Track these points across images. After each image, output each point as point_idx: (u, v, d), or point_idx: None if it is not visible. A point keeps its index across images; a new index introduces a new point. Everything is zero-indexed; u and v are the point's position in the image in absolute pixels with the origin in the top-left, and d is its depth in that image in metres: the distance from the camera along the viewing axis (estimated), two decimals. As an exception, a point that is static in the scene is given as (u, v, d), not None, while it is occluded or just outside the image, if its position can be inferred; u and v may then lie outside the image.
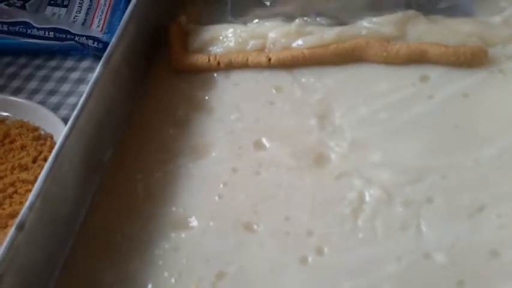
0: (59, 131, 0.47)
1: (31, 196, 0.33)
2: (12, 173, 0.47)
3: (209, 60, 0.48)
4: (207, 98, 0.47)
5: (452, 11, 0.49)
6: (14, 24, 0.59)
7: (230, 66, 0.48)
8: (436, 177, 0.38)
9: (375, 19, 0.47)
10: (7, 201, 0.45)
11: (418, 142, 0.40)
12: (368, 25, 0.47)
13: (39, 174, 0.41)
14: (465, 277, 0.33)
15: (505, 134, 0.40)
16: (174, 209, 0.38)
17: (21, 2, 0.62)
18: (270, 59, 0.47)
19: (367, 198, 0.37)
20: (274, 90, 0.46)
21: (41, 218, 0.33)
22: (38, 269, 0.34)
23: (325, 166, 0.40)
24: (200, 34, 0.50)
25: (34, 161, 0.48)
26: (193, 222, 0.38)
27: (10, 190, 0.46)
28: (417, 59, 0.45)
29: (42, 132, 0.50)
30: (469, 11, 0.49)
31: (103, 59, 0.41)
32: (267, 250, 0.36)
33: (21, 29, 0.59)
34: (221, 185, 0.40)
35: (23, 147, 0.49)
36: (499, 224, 0.35)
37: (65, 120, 0.46)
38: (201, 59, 0.48)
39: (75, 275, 0.35)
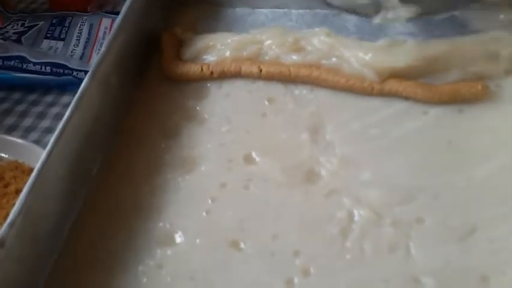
0: None
1: (12, 212, 0.32)
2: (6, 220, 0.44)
3: (202, 70, 0.47)
4: (198, 108, 0.46)
5: (451, 22, 0.48)
6: (9, 58, 0.57)
7: (223, 76, 0.48)
8: (427, 197, 0.37)
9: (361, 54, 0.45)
10: None
11: (410, 160, 0.39)
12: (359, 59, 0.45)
13: None
14: (454, 303, 0.32)
15: (500, 152, 0.39)
16: (160, 224, 0.38)
17: (17, 35, 0.61)
18: (261, 70, 0.46)
19: (356, 217, 0.36)
20: (266, 102, 0.46)
21: (22, 234, 0.33)
22: (19, 286, 0.33)
23: (316, 183, 0.39)
24: (194, 43, 0.50)
25: None
26: (180, 238, 0.37)
27: None
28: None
29: None
30: (467, 22, 0.48)
31: (91, 69, 0.41)
32: (252, 269, 0.35)
33: (16, 64, 0.56)
34: (209, 200, 0.39)
35: (17, 191, 0.45)
36: (490, 248, 0.34)
37: None
38: (193, 68, 0.47)
39: (59, 291, 0.35)
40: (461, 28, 0.47)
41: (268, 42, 0.48)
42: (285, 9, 0.54)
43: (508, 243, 0.34)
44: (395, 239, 0.35)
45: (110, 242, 0.37)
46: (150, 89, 0.48)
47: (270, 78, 0.46)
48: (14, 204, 0.41)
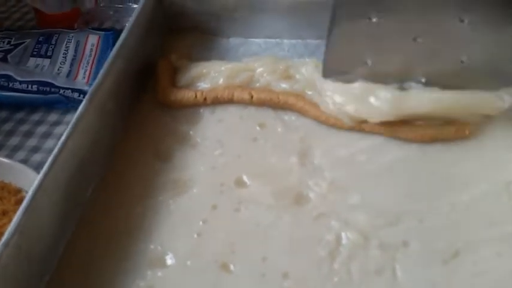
0: None
1: (7, 232, 0.33)
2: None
3: (196, 96, 0.49)
4: (191, 132, 0.47)
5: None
6: None
7: (216, 102, 0.49)
8: (412, 221, 0.38)
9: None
10: None
11: (396, 185, 0.40)
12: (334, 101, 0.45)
13: None
14: (438, 325, 0.33)
15: (482, 180, 0.40)
16: (151, 246, 0.38)
17: (3, 53, 0.60)
18: (252, 96, 0.48)
19: (344, 240, 0.37)
20: (257, 127, 0.47)
21: (17, 254, 0.33)
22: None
23: (304, 206, 0.40)
24: (189, 70, 0.51)
25: None
26: (170, 260, 0.38)
27: None
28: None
29: (25, 195, 0.45)
30: None
31: (88, 94, 0.42)
32: (242, 291, 0.36)
33: (2, 83, 0.55)
34: (200, 222, 0.40)
35: (4, 213, 0.44)
36: (474, 271, 0.35)
37: None
38: (187, 94, 0.49)
39: (50, 312, 0.35)
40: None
41: (260, 69, 0.50)
42: (277, 39, 0.55)
43: (490, 266, 0.35)
44: (381, 261, 0.36)
45: (101, 263, 0.38)
46: (145, 114, 0.49)
47: (260, 104, 0.48)
48: (1, 226, 0.42)
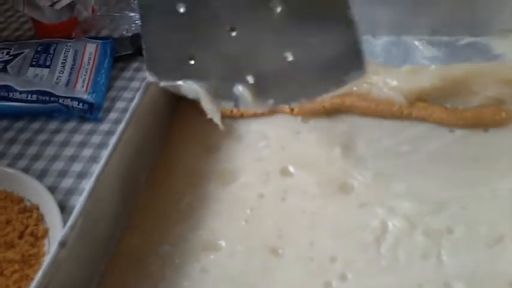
0: (46, 201, 0.45)
1: (73, 215, 0.35)
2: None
3: (232, 111, 0.49)
4: (235, 126, 0.49)
5: (472, 48, 0.51)
6: None
7: (254, 116, 0.49)
8: (456, 208, 0.39)
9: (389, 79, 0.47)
10: None
11: (439, 174, 0.42)
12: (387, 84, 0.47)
13: (26, 251, 0.42)
14: (484, 306, 0.34)
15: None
16: (203, 232, 0.40)
17: (2, 64, 0.60)
18: (293, 110, 0.48)
19: (390, 227, 0.39)
20: (300, 121, 0.48)
21: (81, 235, 0.35)
22: (76, 285, 0.36)
23: (349, 194, 0.42)
24: None
25: (20, 236, 0.44)
26: (222, 245, 0.39)
27: None
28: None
29: (28, 204, 0.46)
30: (490, 47, 0.51)
31: (142, 88, 0.44)
32: (291, 274, 0.37)
33: (2, 93, 0.56)
34: (248, 210, 0.42)
35: (8, 221, 0.44)
36: (518, 255, 0.36)
37: (51, 189, 0.46)
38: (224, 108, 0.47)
39: (110, 292, 0.38)
40: (484, 53, 0.50)
41: None
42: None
43: (534, 250, 0.36)
44: (427, 247, 0.37)
45: (157, 247, 0.40)
46: (191, 109, 0.51)
47: (303, 114, 0.48)
48: (4, 235, 0.43)
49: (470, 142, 0.44)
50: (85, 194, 0.36)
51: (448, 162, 0.42)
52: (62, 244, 0.34)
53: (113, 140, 0.40)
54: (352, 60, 0.37)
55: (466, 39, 0.52)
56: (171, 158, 0.46)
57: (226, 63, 0.40)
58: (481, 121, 0.44)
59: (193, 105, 0.50)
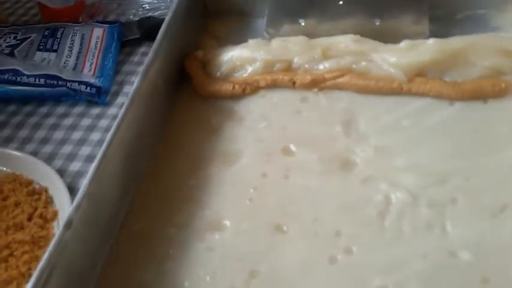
0: (54, 184, 0.45)
1: (77, 197, 0.35)
2: (6, 234, 0.43)
3: (234, 88, 0.49)
4: (236, 108, 0.49)
5: (470, 21, 0.51)
6: (3, 72, 0.56)
7: (256, 90, 0.49)
8: (458, 179, 0.39)
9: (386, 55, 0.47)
10: (2, 265, 0.41)
11: (441, 146, 0.42)
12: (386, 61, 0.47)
13: (35, 233, 0.42)
14: (490, 274, 0.34)
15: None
16: (207, 212, 0.40)
17: (10, 48, 0.60)
18: (294, 82, 0.49)
19: (393, 200, 0.39)
20: (300, 101, 0.48)
21: (86, 217, 0.36)
22: (82, 266, 0.36)
23: (351, 171, 0.42)
24: (222, 60, 0.51)
25: (29, 218, 0.44)
26: (226, 224, 0.40)
27: (5, 253, 0.41)
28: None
29: (37, 186, 0.46)
30: (485, 20, 0.51)
31: (141, 72, 0.44)
32: (297, 250, 0.37)
33: (10, 77, 0.56)
34: (251, 190, 0.42)
35: (17, 204, 0.45)
36: (523, 223, 0.36)
37: (60, 172, 0.46)
38: (225, 86, 0.49)
39: (115, 274, 0.38)
40: (482, 27, 0.50)
41: (296, 59, 0.49)
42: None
43: (538, 218, 0.36)
44: (431, 218, 0.37)
45: (161, 228, 0.40)
46: (191, 92, 0.51)
47: (305, 87, 0.49)
48: (13, 217, 0.44)
49: (470, 114, 0.44)
50: (88, 176, 0.37)
51: (448, 134, 0.42)
52: (67, 225, 0.34)
53: (114, 124, 0.40)
54: None
55: (464, 13, 0.52)
56: (173, 141, 0.47)
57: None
58: (481, 93, 0.44)
59: (193, 87, 0.51)
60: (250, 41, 0.52)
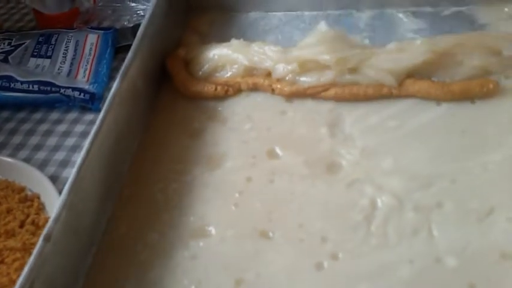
0: (47, 190, 0.45)
1: (57, 208, 0.34)
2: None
3: (216, 89, 0.48)
4: (220, 108, 0.48)
5: (457, 18, 0.50)
6: None
7: (239, 92, 0.49)
8: (445, 182, 0.39)
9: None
10: None
11: (427, 148, 0.41)
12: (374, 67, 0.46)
13: (27, 240, 0.41)
14: (476, 280, 0.34)
15: (512, 139, 0.41)
16: (191, 218, 0.40)
17: (4, 54, 0.60)
18: (273, 90, 0.47)
19: (379, 204, 0.38)
20: (285, 101, 0.48)
21: (66, 229, 0.35)
22: (64, 278, 0.35)
23: (337, 173, 0.41)
24: (204, 59, 0.50)
25: (21, 225, 0.43)
26: (211, 231, 0.39)
27: None
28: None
29: (29, 193, 0.46)
30: (474, 17, 0.51)
31: (120, 72, 0.43)
32: (283, 256, 0.37)
33: (4, 83, 0.56)
34: (236, 194, 0.41)
35: (8, 210, 0.44)
36: (509, 227, 0.36)
37: (53, 179, 0.46)
38: (207, 87, 0.48)
39: (98, 283, 0.37)
40: (469, 23, 0.50)
41: (275, 69, 0.48)
42: (297, 12, 0.56)
43: (525, 222, 0.36)
44: (417, 223, 0.37)
45: (144, 235, 0.39)
46: (173, 93, 0.50)
47: (284, 96, 0.47)
48: (5, 223, 0.43)
49: (458, 115, 0.43)
50: (67, 186, 0.36)
51: (435, 135, 0.42)
52: (47, 238, 0.33)
53: (93, 129, 0.39)
54: None
55: (451, 9, 0.51)
56: (155, 144, 0.46)
57: None
58: (469, 93, 0.44)
59: (175, 88, 0.50)
60: (233, 41, 0.50)
